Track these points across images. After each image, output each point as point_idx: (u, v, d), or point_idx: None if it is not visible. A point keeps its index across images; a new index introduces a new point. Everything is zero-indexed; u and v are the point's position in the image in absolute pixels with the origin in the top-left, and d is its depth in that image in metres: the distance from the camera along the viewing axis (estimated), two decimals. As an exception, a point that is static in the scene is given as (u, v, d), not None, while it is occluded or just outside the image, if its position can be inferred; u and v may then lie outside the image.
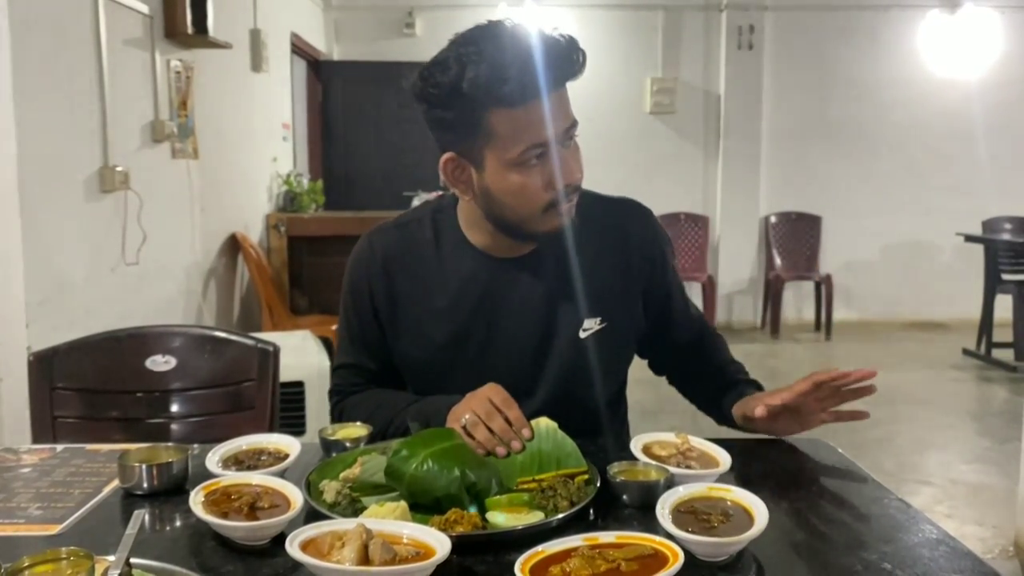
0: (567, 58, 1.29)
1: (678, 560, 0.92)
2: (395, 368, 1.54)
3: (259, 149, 5.61)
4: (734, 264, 7.65)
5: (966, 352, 6.39)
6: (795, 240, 7.58)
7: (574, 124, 1.35)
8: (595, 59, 7.06)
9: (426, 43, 7.15)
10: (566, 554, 0.95)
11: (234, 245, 4.98)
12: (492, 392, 1.28)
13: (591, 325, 1.48)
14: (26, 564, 0.90)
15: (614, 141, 7.50)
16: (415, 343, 1.50)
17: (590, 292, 1.48)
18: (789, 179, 7.61)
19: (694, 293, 7.13)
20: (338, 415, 1.55)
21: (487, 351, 1.47)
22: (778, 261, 7.54)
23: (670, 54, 7.54)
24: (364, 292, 1.51)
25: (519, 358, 1.48)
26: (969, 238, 6.40)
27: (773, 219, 7.60)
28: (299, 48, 6.66)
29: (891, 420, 4.89)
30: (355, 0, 7.51)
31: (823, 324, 7.25)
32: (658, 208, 6.45)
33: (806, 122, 7.56)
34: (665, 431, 1.33)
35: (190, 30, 3.90)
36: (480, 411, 1.25)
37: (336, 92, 7.38)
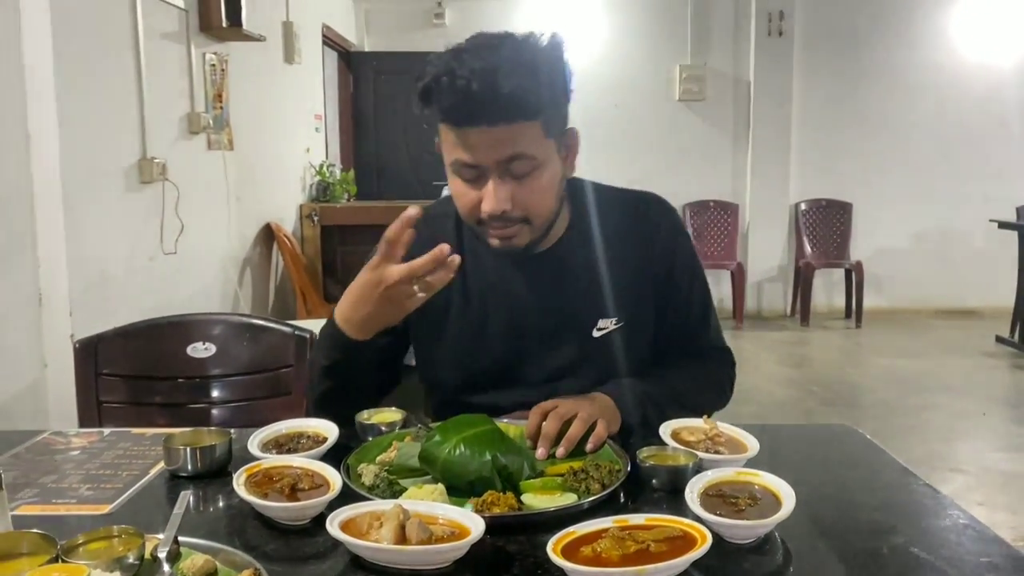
0: (500, 101, 1.24)
1: (706, 542, 0.94)
2: (383, 348, 1.48)
3: (292, 140, 5.68)
4: (764, 251, 7.62)
5: (999, 340, 6.33)
6: (825, 227, 7.54)
7: (518, 157, 1.30)
8: (623, 47, 7.11)
9: (456, 34, 7.11)
10: (597, 535, 0.97)
11: (269, 234, 5.05)
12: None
13: (606, 325, 1.48)
14: (81, 541, 0.95)
15: (643, 129, 7.49)
16: (432, 334, 1.52)
17: (607, 291, 1.48)
18: (819, 166, 7.55)
19: (723, 281, 7.11)
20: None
21: (501, 345, 1.48)
22: (808, 248, 7.50)
23: (699, 41, 7.51)
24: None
25: (532, 353, 1.48)
26: (1003, 224, 6.32)
27: (803, 206, 7.56)
28: (330, 40, 6.71)
29: (923, 408, 4.87)
30: (385, -10, 7.55)
31: (853, 312, 7.21)
32: (687, 196, 6.47)
33: (836, 108, 7.49)
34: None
35: (224, 23, 3.96)
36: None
37: (367, 83, 7.43)
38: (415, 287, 1.23)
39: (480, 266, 1.49)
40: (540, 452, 1.25)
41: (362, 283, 1.28)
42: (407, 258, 1.24)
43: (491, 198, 1.32)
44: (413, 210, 1.22)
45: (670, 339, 1.56)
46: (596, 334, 1.48)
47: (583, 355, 1.48)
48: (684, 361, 1.56)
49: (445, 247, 1.18)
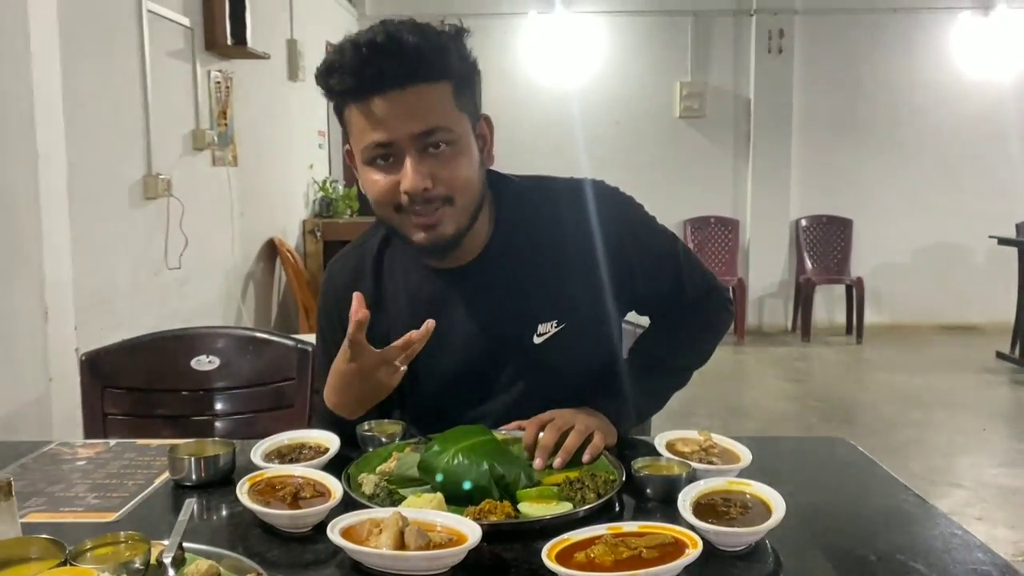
0: (409, 55, 1.22)
1: (697, 548, 0.97)
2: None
3: (296, 156, 5.72)
4: (765, 267, 7.64)
5: (1000, 355, 6.33)
6: (826, 243, 7.56)
7: (434, 131, 1.25)
8: (624, 64, 7.15)
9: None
10: (590, 541, 1.00)
11: (272, 249, 5.09)
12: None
13: (547, 329, 1.41)
14: (88, 546, 0.97)
15: (644, 146, 7.53)
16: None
17: (545, 294, 1.41)
18: (820, 182, 7.58)
19: (725, 297, 7.12)
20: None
21: (439, 364, 1.43)
22: (809, 264, 7.52)
23: (700, 59, 7.56)
24: (334, 318, 1.48)
25: (470, 368, 1.43)
26: (1003, 241, 6.34)
27: (804, 222, 7.58)
28: (333, 56, 6.75)
29: (923, 423, 4.88)
30: (388, 9, 7.59)
31: (854, 327, 7.21)
32: (688, 212, 6.50)
33: (837, 125, 7.53)
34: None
35: (229, 41, 4.01)
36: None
37: (369, 99, 7.46)
38: (396, 363, 1.25)
39: (408, 286, 1.45)
40: (537, 463, 1.27)
41: (341, 374, 1.31)
42: (342, 312, 1.26)
43: (409, 176, 1.25)
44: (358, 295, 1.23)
45: (659, 308, 1.57)
46: (537, 340, 1.42)
47: (528, 363, 1.43)
48: (669, 322, 1.58)
49: (429, 324, 1.22)
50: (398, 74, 1.22)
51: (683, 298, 1.55)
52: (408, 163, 1.26)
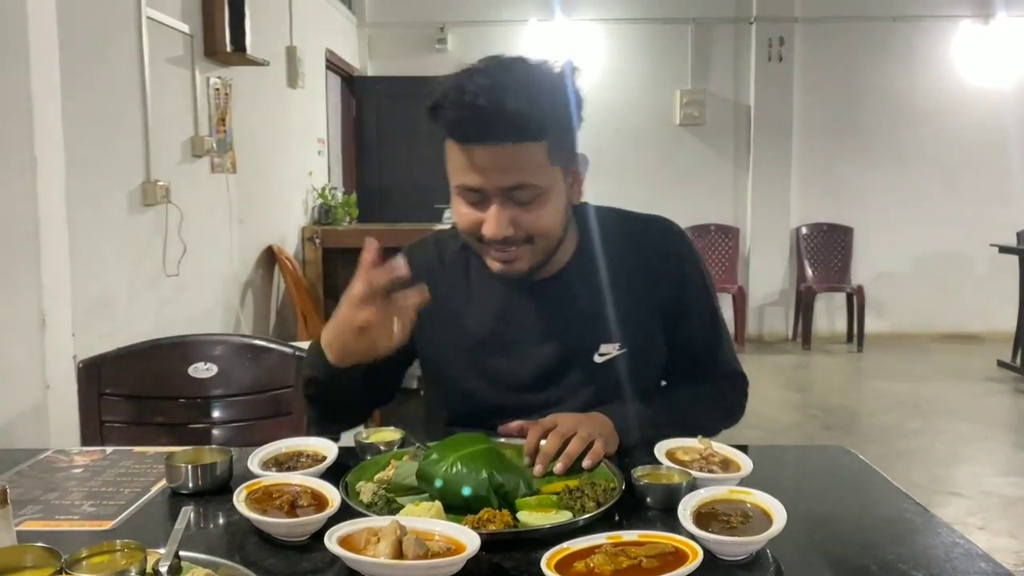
0: (507, 119, 1.27)
1: (697, 557, 0.96)
2: (385, 369, 1.49)
3: (295, 163, 5.72)
4: (765, 275, 7.64)
5: (1001, 364, 6.33)
6: (826, 251, 7.56)
7: (521, 186, 1.32)
8: (624, 72, 7.16)
9: (458, 58, 7.18)
10: (590, 551, 0.99)
11: (270, 257, 5.08)
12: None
13: (609, 350, 1.48)
14: (84, 555, 0.96)
15: (644, 153, 7.55)
16: (436, 355, 1.54)
17: (611, 316, 1.47)
18: (820, 190, 7.59)
19: (725, 305, 7.13)
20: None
21: (500, 370, 1.49)
22: (809, 272, 7.52)
23: (700, 66, 7.57)
24: None
25: (531, 380, 1.49)
26: (1004, 249, 6.35)
27: (804, 230, 7.59)
28: (333, 64, 6.77)
29: (924, 432, 4.87)
30: (388, 16, 7.62)
31: (855, 336, 7.22)
32: (688, 219, 6.49)
33: (837, 133, 7.54)
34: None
35: (229, 48, 4.01)
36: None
37: (370, 107, 7.49)
38: (393, 322, 1.24)
39: (486, 290, 1.52)
40: (538, 469, 1.27)
41: (339, 317, 1.29)
42: (416, 276, 1.28)
43: (492, 222, 1.34)
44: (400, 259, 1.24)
45: (681, 363, 1.57)
46: (598, 359, 1.48)
47: (585, 380, 1.48)
48: (694, 384, 1.56)
49: (397, 260, 1.23)
50: (495, 131, 1.28)
51: (711, 365, 1.58)
52: (493, 209, 1.34)
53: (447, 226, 1.68)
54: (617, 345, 1.48)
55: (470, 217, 1.37)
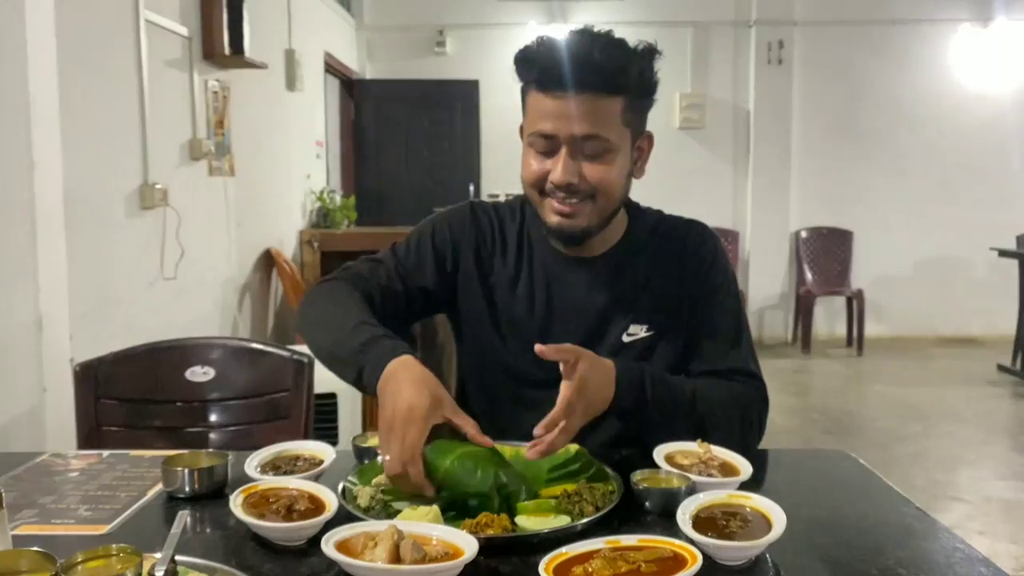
0: (592, 67, 1.36)
1: (696, 562, 0.95)
2: (396, 311, 1.53)
3: (293, 166, 5.72)
4: (765, 279, 7.64)
5: (1001, 368, 6.33)
6: (826, 255, 7.56)
7: (593, 136, 1.39)
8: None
9: (457, 61, 7.26)
10: (588, 555, 0.98)
11: (268, 260, 5.08)
12: (403, 408, 1.20)
13: (637, 331, 1.53)
14: (79, 559, 0.95)
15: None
16: (478, 316, 1.59)
17: (642, 300, 1.54)
18: (820, 194, 7.59)
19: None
20: (319, 284, 1.59)
21: (536, 337, 1.43)
22: (809, 276, 7.52)
23: (699, 70, 7.57)
24: (446, 243, 1.60)
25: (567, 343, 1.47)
26: (1003, 253, 6.35)
27: (804, 234, 7.59)
28: (332, 67, 6.78)
29: (924, 436, 4.87)
30: (387, 20, 7.62)
31: (855, 339, 7.21)
32: (687, 223, 6.22)
33: (836, 137, 7.55)
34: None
35: (227, 51, 4.01)
36: (382, 432, 1.22)
37: (368, 110, 7.49)
38: None
39: (535, 259, 1.58)
40: (530, 454, 1.21)
41: (411, 439, 1.18)
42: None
43: (560, 168, 1.40)
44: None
45: (700, 358, 1.54)
46: (626, 339, 1.53)
47: (613, 356, 1.43)
48: (711, 379, 1.51)
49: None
50: (577, 80, 1.36)
51: (732, 361, 1.54)
52: (562, 156, 1.41)
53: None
54: (645, 327, 1.53)
55: (537, 167, 1.44)
